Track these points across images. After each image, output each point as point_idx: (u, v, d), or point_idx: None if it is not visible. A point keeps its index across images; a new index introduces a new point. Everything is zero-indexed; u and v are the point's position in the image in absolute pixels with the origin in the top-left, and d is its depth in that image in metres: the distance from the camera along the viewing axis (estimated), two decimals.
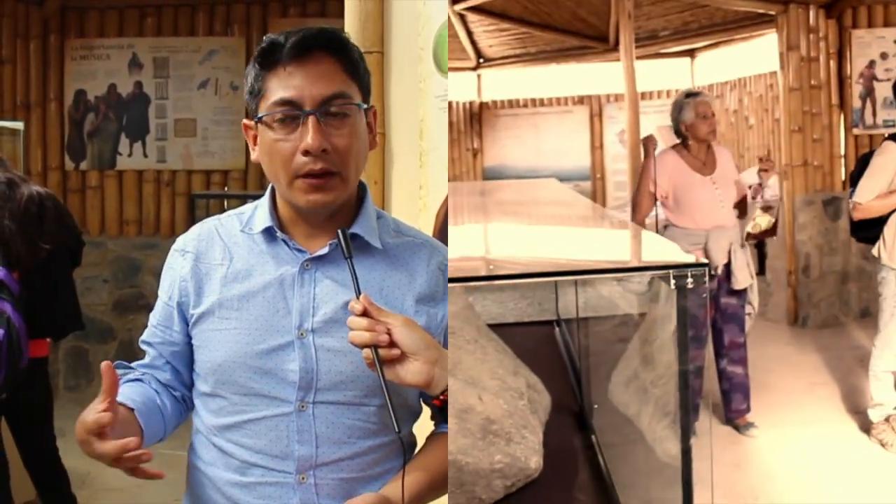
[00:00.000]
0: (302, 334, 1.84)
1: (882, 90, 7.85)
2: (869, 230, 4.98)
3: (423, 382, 1.70)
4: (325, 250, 1.87)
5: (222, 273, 1.92)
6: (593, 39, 9.48)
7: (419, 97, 3.23)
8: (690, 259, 2.30)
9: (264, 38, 1.84)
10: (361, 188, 1.97)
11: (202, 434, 1.96)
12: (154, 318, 2.02)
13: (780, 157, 8.23)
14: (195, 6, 7.86)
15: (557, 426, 3.43)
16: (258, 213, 1.96)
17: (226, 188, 7.88)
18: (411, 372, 1.69)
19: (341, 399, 1.84)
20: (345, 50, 1.84)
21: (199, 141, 7.88)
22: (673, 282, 2.08)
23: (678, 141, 5.24)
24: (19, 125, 7.57)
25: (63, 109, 7.96)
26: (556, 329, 5.46)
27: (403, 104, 3.34)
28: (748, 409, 5.42)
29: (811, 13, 7.96)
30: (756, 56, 9.43)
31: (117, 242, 7.87)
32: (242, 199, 2.08)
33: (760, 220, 5.08)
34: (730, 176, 5.19)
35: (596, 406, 3.50)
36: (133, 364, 2.05)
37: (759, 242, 8.66)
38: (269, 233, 1.92)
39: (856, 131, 8.13)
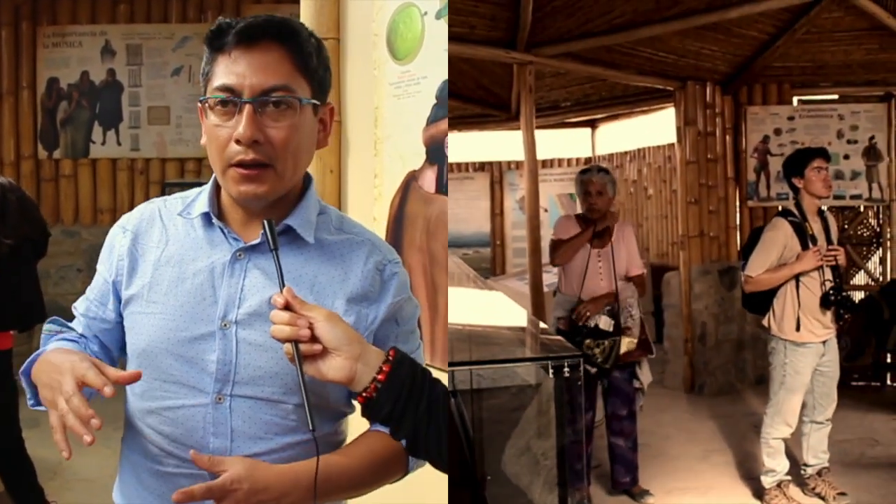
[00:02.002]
0: (225, 325, 1.81)
1: (776, 164, 8.00)
2: (759, 302, 5.11)
3: (345, 379, 1.67)
4: (258, 240, 1.84)
5: (156, 256, 1.90)
6: (495, 108, 9.56)
7: (373, 85, 3.21)
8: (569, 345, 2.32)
9: (217, 19, 1.80)
10: (307, 179, 1.95)
11: (129, 418, 1.93)
12: (91, 291, 2.02)
13: (678, 227, 8.41)
14: None
15: (450, 498, 3.39)
16: (200, 197, 1.93)
17: (200, 176, 7.80)
18: (333, 368, 1.66)
19: (259, 394, 1.80)
20: (295, 40, 1.79)
21: (173, 129, 7.91)
22: (551, 371, 2.10)
23: (578, 209, 5.51)
24: None
25: (36, 97, 8.11)
26: (452, 400, 5.44)
27: (359, 92, 3.32)
28: (632, 483, 5.47)
29: (708, 90, 8.17)
30: (655, 128, 9.64)
31: (91, 231, 7.82)
32: None
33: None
34: (621, 253, 5.33)
35: (489, 477, 3.48)
36: (73, 323, 2.05)
37: (657, 310, 8.82)
38: (206, 218, 1.90)
39: (750, 203, 8.38)
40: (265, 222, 1.74)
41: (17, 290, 4.55)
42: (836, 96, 8.50)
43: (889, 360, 8.07)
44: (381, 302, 1.89)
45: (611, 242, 5.30)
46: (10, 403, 4.60)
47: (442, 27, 2.94)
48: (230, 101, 1.75)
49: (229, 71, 1.75)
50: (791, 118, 8.31)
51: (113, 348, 2.00)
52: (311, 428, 1.62)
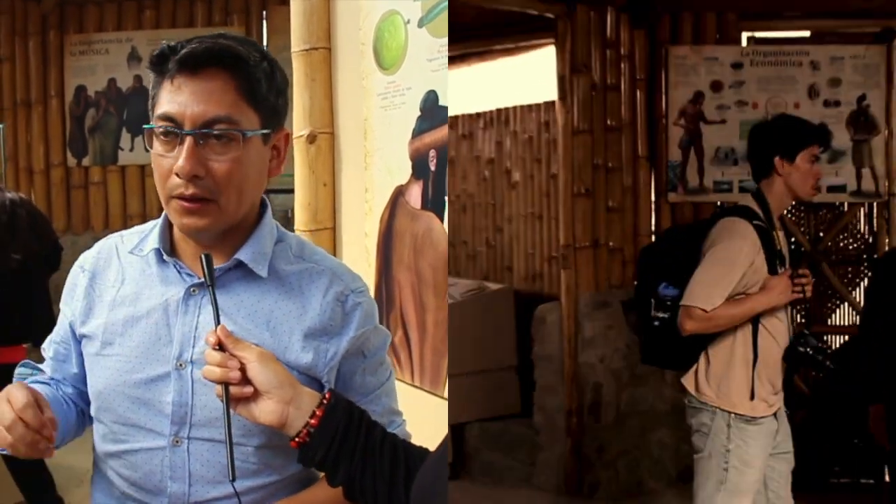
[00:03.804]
0: (181, 365, 2.37)
1: (713, 136, 7.64)
2: (676, 348, 4.80)
3: (276, 422, 2.16)
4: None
5: (112, 296, 2.48)
6: None
7: (363, 95, 4.16)
8: None
9: (161, 42, 2.30)
10: (262, 205, 2.48)
11: (95, 459, 2.52)
12: (56, 334, 2.64)
13: (559, 233, 7.85)
14: None
15: None
16: (153, 232, 2.46)
17: None
18: (264, 411, 2.16)
19: (217, 436, 2.31)
20: (241, 67, 2.27)
21: None
22: None
23: None
24: None
25: (64, 106, 10.85)
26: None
27: (351, 103, 4.36)
28: None
29: (609, 18, 7.61)
30: (526, 78, 9.14)
31: None
32: None
33: None
34: None
35: None
36: (43, 366, 2.63)
37: (521, 364, 8.63)
38: (158, 254, 2.43)
39: (672, 197, 7.83)
40: (202, 257, 2.24)
41: (29, 303, 6.07)
42: (807, 33, 7.94)
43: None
44: (342, 336, 2.47)
45: None
46: None
47: (425, 36, 3.85)
48: (171, 131, 2.25)
49: (171, 99, 2.25)
50: (738, 65, 7.79)
51: (84, 388, 2.57)
52: (231, 478, 2.10)
